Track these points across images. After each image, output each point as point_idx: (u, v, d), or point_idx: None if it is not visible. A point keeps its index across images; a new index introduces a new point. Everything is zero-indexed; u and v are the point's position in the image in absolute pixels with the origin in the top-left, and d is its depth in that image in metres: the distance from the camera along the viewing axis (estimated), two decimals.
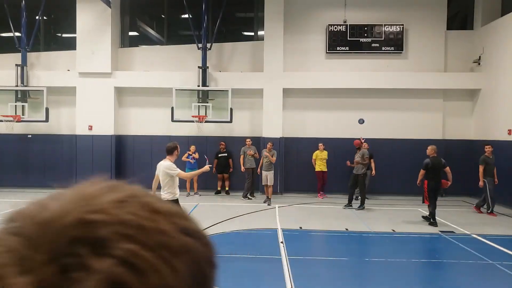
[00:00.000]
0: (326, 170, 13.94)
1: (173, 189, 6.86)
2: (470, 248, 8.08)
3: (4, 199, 12.92)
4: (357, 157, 11.86)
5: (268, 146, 12.81)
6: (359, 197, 12.25)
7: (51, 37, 16.78)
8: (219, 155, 14.39)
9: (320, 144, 14.01)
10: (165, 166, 6.75)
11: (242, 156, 13.81)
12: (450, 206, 13.04)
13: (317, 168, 13.95)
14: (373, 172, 13.41)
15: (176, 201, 6.82)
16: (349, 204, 12.14)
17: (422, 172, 10.23)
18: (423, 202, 10.80)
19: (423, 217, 10.71)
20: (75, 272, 0.37)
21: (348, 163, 12.69)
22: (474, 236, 9.14)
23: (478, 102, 14.57)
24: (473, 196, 14.10)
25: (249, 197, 13.73)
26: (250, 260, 7.19)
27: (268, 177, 12.61)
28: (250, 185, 13.78)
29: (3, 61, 15.55)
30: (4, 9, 14.86)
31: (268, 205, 12.47)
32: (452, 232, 9.49)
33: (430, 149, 10.35)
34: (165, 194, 6.77)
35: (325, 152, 13.95)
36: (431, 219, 10.26)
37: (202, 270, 0.45)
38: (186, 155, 13.80)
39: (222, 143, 14.52)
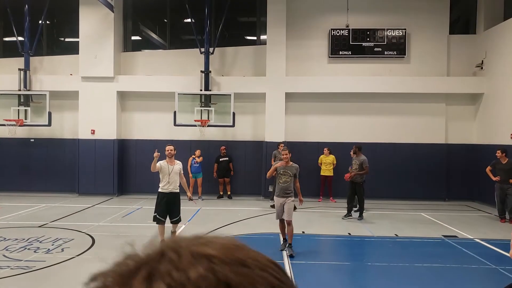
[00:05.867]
0: (331, 174, 13.88)
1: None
2: (473, 253, 8.04)
3: (6, 203, 12.94)
4: (355, 166, 11.07)
5: (285, 156, 7.86)
6: (357, 206, 11.50)
7: (54, 41, 16.85)
8: (220, 159, 14.39)
9: (325, 149, 13.98)
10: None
11: (272, 160, 13.07)
12: (453, 210, 13.00)
13: (321, 172, 14.03)
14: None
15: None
16: (348, 214, 11.33)
17: None
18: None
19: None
20: None
21: (347, 177, 11.17)
22: (477, 240, 9.11)
23: (480, 106, 14.54)
24: (476, 200, 14.07)
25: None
26: None
27: (286, 207, 7.76)
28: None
29: (6, 66, 15.62)
30: (8, 13, 14.96)
31: (293, 255, 7.70)
32: (455, 236, 9.45)
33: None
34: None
35: (331, 157, 13.90)
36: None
37: None
38: (190, 158, 13.91)
39: (223, 147, 14.53)
